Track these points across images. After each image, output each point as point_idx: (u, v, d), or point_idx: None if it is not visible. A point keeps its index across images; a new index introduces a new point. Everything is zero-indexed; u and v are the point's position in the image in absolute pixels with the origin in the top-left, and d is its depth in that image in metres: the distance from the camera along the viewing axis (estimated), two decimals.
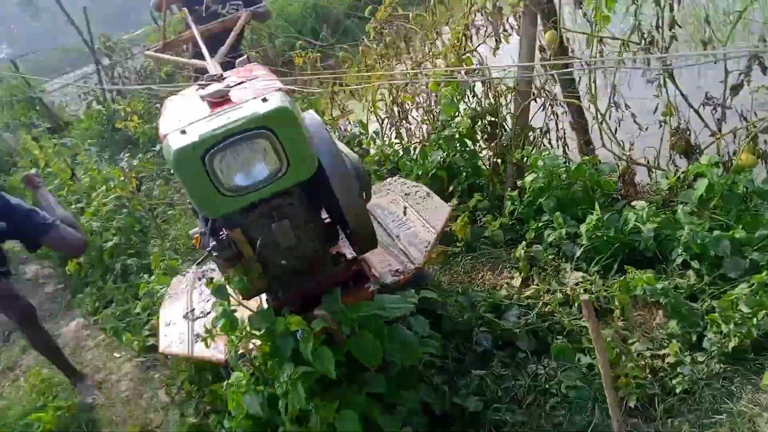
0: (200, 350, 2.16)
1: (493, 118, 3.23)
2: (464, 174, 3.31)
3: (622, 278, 2.28)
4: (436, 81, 3.29)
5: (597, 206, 2.53)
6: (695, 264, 2.23)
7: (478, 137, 3.33)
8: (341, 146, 2.08)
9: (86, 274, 4.04)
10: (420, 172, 3.36)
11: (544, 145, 3.09)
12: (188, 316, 2.02)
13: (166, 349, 2.33)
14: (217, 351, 1.99)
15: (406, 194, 2.58)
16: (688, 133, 2.48)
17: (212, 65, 2.15)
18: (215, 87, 1.70)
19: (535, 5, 2.70)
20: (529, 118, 3.07)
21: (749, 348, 1.93)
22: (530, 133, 3.07)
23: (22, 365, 3.68)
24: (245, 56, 2.73)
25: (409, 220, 2.41)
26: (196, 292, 2.50)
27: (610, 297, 2.25)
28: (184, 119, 1.65)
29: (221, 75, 1.84)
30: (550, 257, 2.62)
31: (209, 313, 2.15)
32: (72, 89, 8.03)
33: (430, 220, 2.37)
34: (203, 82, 1.78)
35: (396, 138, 3.88)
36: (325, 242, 1.96)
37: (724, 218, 2.26)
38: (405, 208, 2.49)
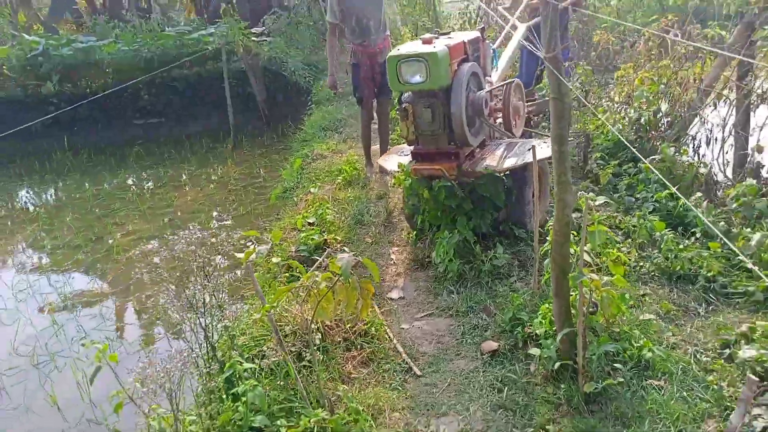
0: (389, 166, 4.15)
1: (669, 118, 4.55)
2: (634, 147, 4.70)
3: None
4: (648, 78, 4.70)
5: (666, 189, 3.87)
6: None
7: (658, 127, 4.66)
8: (482, 90, 3.67)
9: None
10: (602, 139, 4.90)
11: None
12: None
13: (380, 162, 4.38)
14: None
15: (546, 143, 3.57)
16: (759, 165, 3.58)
17: (516, 24, 4.36)
18: (429, 36, 3.60)
19: None
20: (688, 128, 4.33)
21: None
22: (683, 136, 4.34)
23: (346, 151, 6.49)
24: (482, 27, 4.28)
25: (522, 154, 3.62)
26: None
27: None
28: (405, 46, 3.62)
29: (448, 32, 3.83)
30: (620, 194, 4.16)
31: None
32: None
33: (529, 158, 3.44)
34: (441, 32, 3.80)
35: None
36: (448, 131, 3.53)
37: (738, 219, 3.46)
38: (532, 148, 3.34)
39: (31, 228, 6.93)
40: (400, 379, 2.81)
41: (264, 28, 10.74)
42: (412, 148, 3.75)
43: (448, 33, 3.90)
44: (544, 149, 3.52)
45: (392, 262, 4.01)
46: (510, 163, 3.61)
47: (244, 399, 2.21)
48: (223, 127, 9.81)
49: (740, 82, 4.00)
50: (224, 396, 2.32)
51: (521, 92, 4.10)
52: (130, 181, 8.65)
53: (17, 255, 6.23)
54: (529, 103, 5.27)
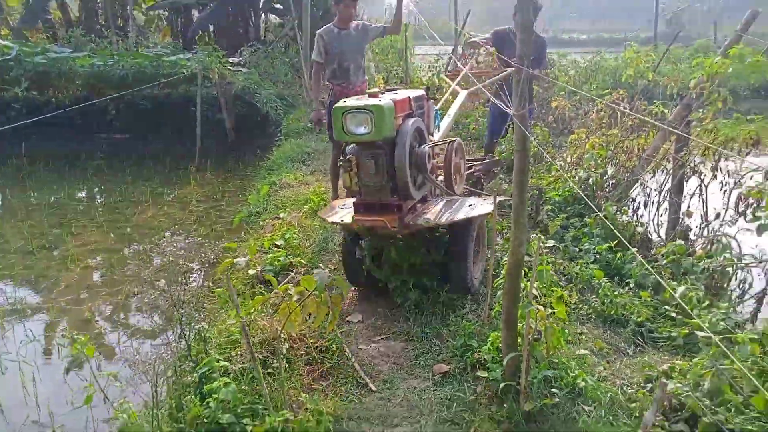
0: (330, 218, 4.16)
1: (613, 181, 5.03)
2: (581, 204, 5.16)
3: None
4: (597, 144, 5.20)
5: (606, 244, 4.28)
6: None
7: (604, 188, 5.13)
8: (425, 145, 3.77)
9: None
10: (554, 194, 5.34)
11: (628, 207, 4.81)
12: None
13: (322, 215, 4.28)
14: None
15: (487, 201, 3.84)
16: (688, 228, 4.03)
17: (458, 90, 4.65)
18: (376, 90, 3.75)
19: None
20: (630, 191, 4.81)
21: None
22: (625, 198, 4.81)
23: (313, 183, 6.75)
24: (427, 87, 4.45)
25: (463, 210, 3.73)
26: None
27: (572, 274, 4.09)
28: (351, 99, 3.54)
29: (395, 88, 4.11)
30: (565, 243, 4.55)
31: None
32: None
33: (471, 213, 3.65)
34: (387, 88, 4.09)
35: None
36: (391, 183, 3.50)
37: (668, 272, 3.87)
38: (473, 205, 3.76)
39: None
40: (356, 393, 3.00)
41: (240, 59, 11.02)
42: (354, 199, 3.75)
43: (395, 89, 4.10)
44: (484, 206, 3.72)
45: (353, 288, 4.23)
46: (447, 217, 3.67)
47: (215, 396, 2.35)
48: (189, 150, 9.91)
49: (677, 154, 4.50)
50: (194, 393, 2.46)
51: (462, 152, 4.23)
52: (87, 194, 8.60)
53: None
54: (478, 163, 5.65)
